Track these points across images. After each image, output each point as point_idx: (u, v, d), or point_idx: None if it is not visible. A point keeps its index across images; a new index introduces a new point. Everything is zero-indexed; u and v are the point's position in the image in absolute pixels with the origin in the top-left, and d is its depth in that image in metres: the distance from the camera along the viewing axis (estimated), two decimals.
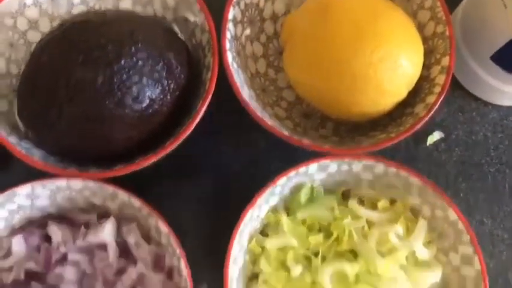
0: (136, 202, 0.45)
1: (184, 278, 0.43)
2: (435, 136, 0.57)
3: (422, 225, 0.46)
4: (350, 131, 0.53)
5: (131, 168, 0.45)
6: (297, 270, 0.45)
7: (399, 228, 0.45)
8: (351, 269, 0.44)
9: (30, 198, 0.46)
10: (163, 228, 0.44)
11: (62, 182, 0.45)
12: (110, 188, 0.45)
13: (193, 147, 0.55)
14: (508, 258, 0.55)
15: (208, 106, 0.46)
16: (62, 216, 0.48)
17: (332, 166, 0.46)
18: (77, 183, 0.45)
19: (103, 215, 0.48)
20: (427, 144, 0.57)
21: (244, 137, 0.57)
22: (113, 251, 0.46)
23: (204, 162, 0.55)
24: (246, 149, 0.56)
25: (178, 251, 0.43)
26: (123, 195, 0.45)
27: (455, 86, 0.59)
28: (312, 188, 0.48)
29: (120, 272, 0.46)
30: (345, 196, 0.49)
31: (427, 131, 0.57)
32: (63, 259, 0.46)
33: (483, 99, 0.58)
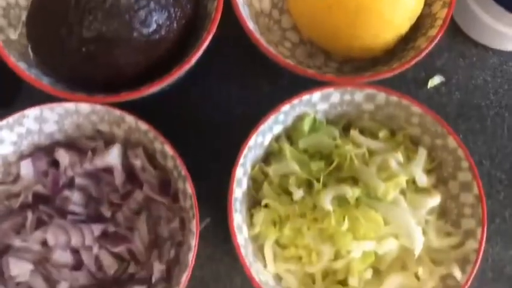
0: (143, 125, 0.46)
1: (190, 198, 0.44)
2: (436, 80, 0.58)
3: (422, 152, 0.47)
4: (353, 71, 0.54)
5: (138, 94, 0.46)
6: (298, 194, 0.46)
7: (399, 155, 0.46)
8: (351, 192, 0.45)
9: (38, 122, 0.47)
10: (169, 151, 0.45)
11: (70, 106, 0.46)
12: (117, 112, 0.46)
13: (196, 88, 0.57)
14: (505, 198, 0.56)
15: (213, 41, 0.47)
16: (70, 144, 0.49)
17: (334, 95, 0.47)
18: (85, 107, 0.46)
19: (109, 142, 0.49)
20: (428, 87, 0.58)
21: (248, 80, 0.58)
22: (119, 174, 0.47)
23: (206, 104, 0.56)
24: (249, 92, 0.57)
25: (184, 172, 0.44)
26: (130, 119, 0.46)
27: (457, 32, 0.59)
28: (315, 119, 0.49)
29: (126, 195, 0.47)
30: (346, 130, 0.50)
31: (428, 75, 0.58)
32: (70, 183, 0.47)
33: (484, 45, 0.59)
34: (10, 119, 0.46)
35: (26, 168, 0.48)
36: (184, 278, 0.42)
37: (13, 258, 0.44)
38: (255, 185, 0.48)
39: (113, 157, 0.47)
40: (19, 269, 0.44)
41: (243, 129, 0.46)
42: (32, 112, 0.46)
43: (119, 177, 0.47)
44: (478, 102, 0.58)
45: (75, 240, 0.44)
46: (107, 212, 0.46)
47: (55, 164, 0.49)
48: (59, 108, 0.46)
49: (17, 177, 0.48)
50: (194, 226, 0.43)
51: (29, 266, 0.44)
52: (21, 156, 0.49)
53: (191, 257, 0.42)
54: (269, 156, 0.49)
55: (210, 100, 0.57)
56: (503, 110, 0.58)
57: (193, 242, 0.43)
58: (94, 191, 0.47)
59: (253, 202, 0.48)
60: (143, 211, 0.47)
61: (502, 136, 0.58)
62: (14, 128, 0.46)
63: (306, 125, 0.48)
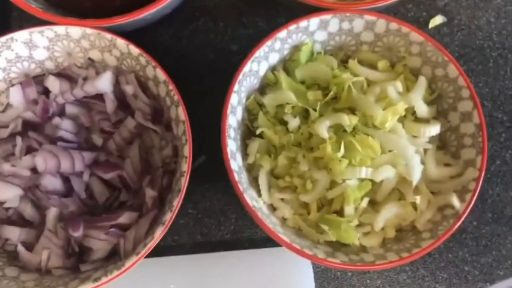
0: (134, 50, 0.44)
1: (183, 124, 0.43)
2: (437, 20, 0.57)
3: (422, 81, 0.46)
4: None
5: (129, 17, 0.44)
6: (294, 122, 0.45)
7: (398, 83, 0.45)
8: (348, 120, 0.43)
9: (28, 47, 0.45)
10: (162, 75, 0.44)
11: (60, 29, 0.44)
12: (108, 36, 0.44)
13: (192, 22, 0.55)
14: (506, 140, 0.55)
15: None
16: (61, 73, 0.48)
17: (333, 23, 0.46)
18: (75, 31, 0.45)
19: (101, 71, 0.47)
20: (429, 27, 0.57)
21: (245, 19, 0.56)
22: (110, 101, 0.45)
23: (201, 39, 0.55)
24: (245, 29, 0.56)
25: (176, 97, 0.43)
26: (121, 43, 0.44)
27: None
28: (312, 50, 0.48)
29: (118, 123, 0.46)
30: (345, 63, 0.49)
31: (430, 15, 0.57)
32: (61, 111, 0.46)
33: None
34: None
35: (16, 95, 0.46)
36: (176, 203, 0.41)
37: (2, 183, 0.43)
38: (250, 116, 0.47)
39: (104, 83, 0.45)
40: (8, 193, 0.43)
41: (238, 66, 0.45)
42: (21, 35, 0.44)
43: (110, 104, 0.45)
44: (480, 43, 0.57)
45: (65, 166, 0.43)
46: (98, 140, 0.45)
47: (46, 93, 0.47)
48: (49, 31, 0.45)
49: (6, 107, 0.47)
50: (187, 151, 0.42)
51: (19, 191, 0.43)
52: (11, 85, 0.47)
53: (183, 181, 0.41)
54: (265, 88, 0.48)
55: (205, 36, 0.55)
56: (507, 52, 0.57)
57: (186, 167, 0.42)
58: (85, 120, 0.46)
59: (248, 133, 0.47)
60: (135, 140, 0.46)
61: (505, 77, 0.56)
62: (1, 52, 0.45)
63: (304, 55, 0.47)
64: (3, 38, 0.44)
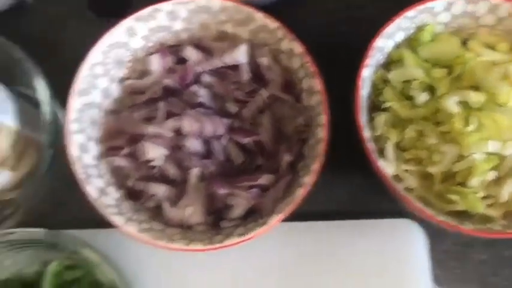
0: (272, 23, 0.47)
1: (318, 94, 0.45)
2: None
3: None
4: None
5: None
6: (421, 97, 0.47)
7: None
8: (475, 97, 0.45)
9: (169, 17, 0.48)
10: (298, 48, 0.46)
11: (201, 2, 0.47)
12: (247, 9, 0.47)
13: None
14: None
15: None
16: (196, 45, 0.50)
17: (459, 4, 0.48)
18: (215, 3, 0.47)
19: (233, 44, 0.50)
20: None
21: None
22: (245, 71, 0.48)
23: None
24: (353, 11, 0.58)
25: (312, 68, 0.46)
26: (259, 16, 0.47)
27: None
28: (434, 30, 0.50)
29: (252, 93, 0.48)
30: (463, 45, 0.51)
31: None
32: (196, 79, 0.49)
33: None
34: (144, 12, 0.47)
35: (155, 63, 0.49)
36: (316, 167, 0.43)
37: (149, 143, 0.46)
38: (376, 91, 0.50)
39: (241, 54, 0.48)
40: (155, 152, 0.46)
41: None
42: (166, 6, 0.47)
43: (245, 74, 0.48)
44: None
45: (208, 130, 0.46)
46: (232, 108, 0.48)
47: (179, 62, 0.50)
48: (191, 3, 0.47)
49: (144, 73, 0.50)
50: (323, 119, 0.45)
51: (164, 151, 0.46)
52: (148, 54, 0.50)
53: (322, 147, 0.44)
54: (388, 65, 0.50)
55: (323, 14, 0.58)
56: None
57: (323, 134, 0.44)
58: (219, 89, 0.49)
59: (373, 108, 0.50)
60: (266, 109, 0.48)
61: None
62: (148, 21, 0.48)
63: (427, 35, 0.49)
64: (149, 8, 0.47)
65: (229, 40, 0.50)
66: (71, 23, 0.58)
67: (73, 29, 0.58)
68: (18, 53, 0.47)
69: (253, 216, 0.46)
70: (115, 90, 0.50)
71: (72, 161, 0.44)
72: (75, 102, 0.45)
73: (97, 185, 0.45)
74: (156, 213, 0.47)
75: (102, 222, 0.44)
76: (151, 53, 0.50)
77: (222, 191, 0.45)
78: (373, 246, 0.50)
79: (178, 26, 0.49)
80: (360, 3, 0.59)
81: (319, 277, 0.48)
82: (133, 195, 0.47)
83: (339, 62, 0.50)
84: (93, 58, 0.46)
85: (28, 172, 0.50)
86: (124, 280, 0.45)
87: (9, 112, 0.45)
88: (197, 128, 0.46)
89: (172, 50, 0.50)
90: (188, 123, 0.46)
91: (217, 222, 0.46)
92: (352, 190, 0.53)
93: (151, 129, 0.46)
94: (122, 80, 0.50)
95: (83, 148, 0.46)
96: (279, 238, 0.50)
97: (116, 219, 0.43)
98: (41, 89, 0.47)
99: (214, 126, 0.46)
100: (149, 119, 0.48)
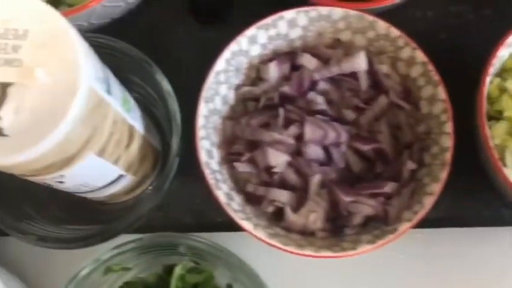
0: (394, 32, 0.47)
1: (442, 102, 0.46)
2: None
3: None
4: None
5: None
6: None
7: None
8: None
9: (289, 25, 0.49)
10: (421, 57, 0.47)
11: (324, 10, 0.48)
12: (370, 18, 0.47)
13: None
14: None
15: None
16: (311, 52, 0.51)
17: None
18: (338, 13, 0.48)
19: (347, 52, 0.50)
20: None
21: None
22: (364, 79, 0.49)
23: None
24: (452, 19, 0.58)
25: (435, 77, 0.46)
26: (382, 25, 0.47)
27: None
28: None
29: (370, 100, 0.49)
30: None
31: None
32: (311, 87, 0.50)
33: None
34: (268, 20, 0.48)
35: (272, 71, 0.50)
36: (444, 175, 0.44)
37: (271, 149, 0.47)
38: (490, 99, 0.50)
39: (360, 61, 0.48)
40: (277, 159, 0.46)
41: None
42: (289, 14, 0.48)
43: (363, 82, 0.49)
44: None
45: (331, 137, 0.46)
46: (350, 115, 0.48)
47: (294, 69, 0.51)
48: (313, 11, 0.48)
49: (256, 80, 0.51)
50: (449, 127, 0.45)
51: (286, 157, 0.47)
52: (262, 61, 0.51)
53: (448, 156, 0.44)
54: (502, 73, 0.51)
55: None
56: None
57: (449, 142, 0.45)
58: (334, 96, 0.49)
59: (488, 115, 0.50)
60: (382, 116, 0.49)
61: None
62: (269, 29, 0.49)
63: None
64: (274, 17, 0.48)
65: (343, 47, 0.51)
66: (172, 27, 0.59)
67: (173, 34, 0.59)
68: (141, 56, 0.48)
69: (372, 224, 0.47)
70: (231, 97, 0.50)
71: (202, 166, 0.45)
72: (203, 108, 0.46)
73: (224, 190, 0.46)
74: (274, 218, 0.48)
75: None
76: (265, 61, 0.51)
77: (347, 198, 0.45)
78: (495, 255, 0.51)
79: (295, 33, 0.50)
80: (458, 11, 0.59)
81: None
82: (253, 200, 0.48)
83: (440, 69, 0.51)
84: (219, 66, 0.47)
85: (143, 176, 0.51)
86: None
87: (137, 117, 0.46)
88: (319, 135, 0.47)
89: (287, 57, 0.51)
90: (310, 130, 0.47)
91: (335, 229, 0.46)
92: (463, 196, 0.54)
93: (274, 135, 0.47)
94: (238, 87, 0.51)
95: (209, 154, 0.46)
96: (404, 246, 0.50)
97: (246, 224, 0.44)
98: (169, 93, 0.48)
99: (337, 133, 0.47)
100: (265, 126, 0.49)
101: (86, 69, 0.32)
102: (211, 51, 0.47)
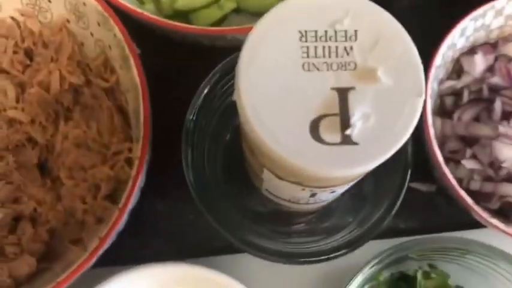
0: None
1: None
2: None
3: None
4: None
5: None
6: None
7: None
8: None
9: (494, 15, 0.47)
10: None
11: None
12: None
13: None
14: None
15: None
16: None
17: None
18: None
19: None
20: None
21: None
22: None
23: None
24: None
25: None
26: None
27: None
28: None
29: None
30: None
31: None
32: None
33: None
34: (479, 11, 0.46)
35: (479, 63, 0.48)
36: None
37: (498, 143, 0.45)
38: None
39: None
40: (505, 153, 0.45)
41: None
42: (499, 4, 0.46)
43: None
44: None
45: None
46: None
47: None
48: None
49: (459, 72, 0.50)
50: None
51: None
52: (462, 53, 0.50)
53: None
54: None
55: None
56: None
57: None
58: None
59: None
60: None
61: None
62: (477, 19, 0.47)
63: None
64: (487, 6, 0.46)
65: None
66: None
67: None
68: None
69: None
70: (435, 93, 0.49)
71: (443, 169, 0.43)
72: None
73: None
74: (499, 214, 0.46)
75: None
76: (465, 53, 0.49)
77: None
78: None
79: (496, 23, 0.49)
80: None
81: None
82: (477, 198, 0.46)
83: None
84: (437, 61, 0.45)
85: None
86: None
87: None
88: None
89: (490, 48, 0.49)
90: None
91: None
92: None
93: (500, 129, 0.45)
94: (441, 82, 0.49)
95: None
96: None
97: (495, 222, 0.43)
98: None
99: None
100: (476, 119, 0.47)
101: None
102: None
